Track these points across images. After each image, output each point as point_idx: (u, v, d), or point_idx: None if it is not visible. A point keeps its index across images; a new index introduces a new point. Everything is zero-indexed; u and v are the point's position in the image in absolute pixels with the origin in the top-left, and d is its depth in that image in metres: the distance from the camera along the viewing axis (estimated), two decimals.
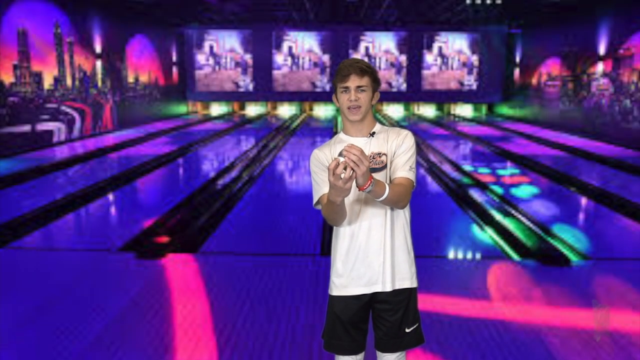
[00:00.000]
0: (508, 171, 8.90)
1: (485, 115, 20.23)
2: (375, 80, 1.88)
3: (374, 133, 1.91)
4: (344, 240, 1.89)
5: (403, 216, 1.91)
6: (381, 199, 1.69)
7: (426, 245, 4.63)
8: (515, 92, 19.12)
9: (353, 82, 1.82)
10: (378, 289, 1.87)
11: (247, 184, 7.35)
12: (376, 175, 1.83)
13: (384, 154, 1.88)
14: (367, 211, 1.86)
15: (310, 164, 1.93)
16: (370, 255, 1.86)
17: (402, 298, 1.90)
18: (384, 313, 1.90)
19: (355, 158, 1.53)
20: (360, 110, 1.85)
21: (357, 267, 1.87)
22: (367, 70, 1.85)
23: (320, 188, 1.89)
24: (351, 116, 1.86)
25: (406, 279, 1.90)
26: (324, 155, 1.90)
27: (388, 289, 1.87)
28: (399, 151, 1.87)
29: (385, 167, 1.88)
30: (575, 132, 13.78)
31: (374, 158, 1.88)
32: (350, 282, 1.89)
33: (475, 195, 6.62)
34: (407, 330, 1.92)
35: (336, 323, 1.92)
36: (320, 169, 1.89)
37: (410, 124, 16.84)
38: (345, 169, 1.56)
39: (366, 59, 20.13)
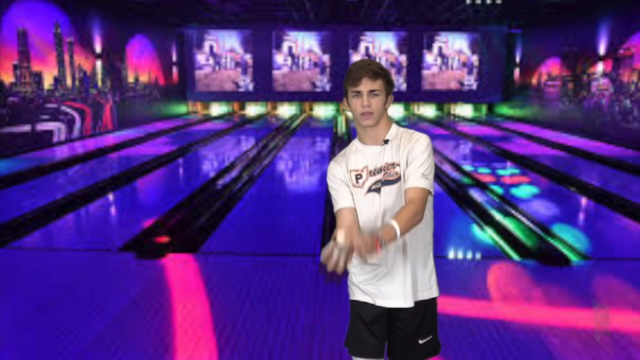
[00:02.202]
0: (508, 171, 8.90)
1: (485, 115, 20.22)
2: (389, 83, 1.79)
3: (387, 141, 1.82)
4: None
5: (423, 227, 1.82)
6: (397, 239, 1.63)
7: None
8: (515, 92, 19.11)
9: (365, 86, 1.74)
10: (399, 305, 1.83)
11: (247, 184, 7.35)
12: (391, 188, 1.78)
13: (397, 164, 1.79)
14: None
15: (327, 177, 1.89)
16: (391, 272, 1.82)
17: (419, 310, 1.85)
18: (398, 322, 1.87)
19: (340, 261, 1.52)
20: (373, 116, 1.76)
21: (379, 283, 1.84)
22: (380, 72, 1.75)
23: (337, 203, 1.85)
24: (364, 121, 1.77)
25: (426, 289, 1.86)
26: (339, 170, 1.85)
27: (409, 305, 1.82)
28: (410, 158, 1.78)
29: (399, 178, 1.79)
30: (575, 132, 13.78)
31: (387, 169, 1.79)
32: (372, 292, 1.85)
33: (475, 195, 6.61)
34: (420, 342, 1.87)
35: (359, 324, 1.87)
36: (336, 184, 1.85)
37: (410, 124, 16.83)
38: (339, 254, 1.55)
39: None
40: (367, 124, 1.77)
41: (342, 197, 1.84)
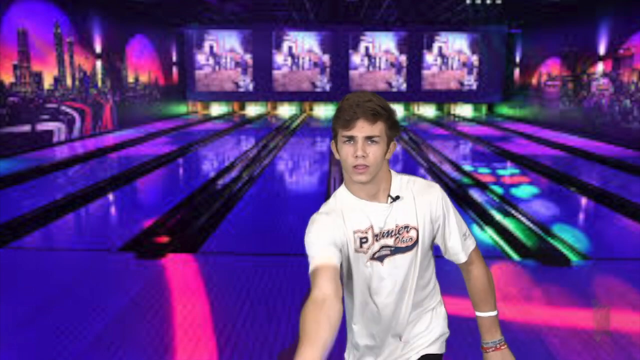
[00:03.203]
0: (508, 171, 8.90)
1: (485, 115, 20.23)
2: (393, 126, 1.37)
3: (397, 197, 1.41)
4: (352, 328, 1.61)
5: (426, 290, 1.56)
6: (497, 314, 1.60)
7: None
8: (515, 92, 19.12)
9: (361, 130, 1.32)
10: None
11: (247, 184, 7.35)
12: (403, 257, 1.42)
13: (413, 227, 1.41)
14: (375, 311, 1.50)
15: (309, 233, 1.50)
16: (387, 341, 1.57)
17: None
18: None
19: None
20: (369, 170, 1.33)
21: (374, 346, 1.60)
22: (382, 112, 1.33)
23: (314, 260, 1.45)
24: (356, 176, 1.34)
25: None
26: (335, 227, 1.41)
27: None
28: (443, 225, 1.45)
29: (415, 244, 1.42)
30: (575, 132, 13.78)
31: (400, 233, 1.40)
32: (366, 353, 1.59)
33: (475, 195, 6.61)
34: None
35: None
36: (321, 240, 1.45)
37: (410, 124, 16.83)
38: None
39: (366, 59, 20.11)
40: (359, 179, 1.34)
41: (321, 252, 1.42)
